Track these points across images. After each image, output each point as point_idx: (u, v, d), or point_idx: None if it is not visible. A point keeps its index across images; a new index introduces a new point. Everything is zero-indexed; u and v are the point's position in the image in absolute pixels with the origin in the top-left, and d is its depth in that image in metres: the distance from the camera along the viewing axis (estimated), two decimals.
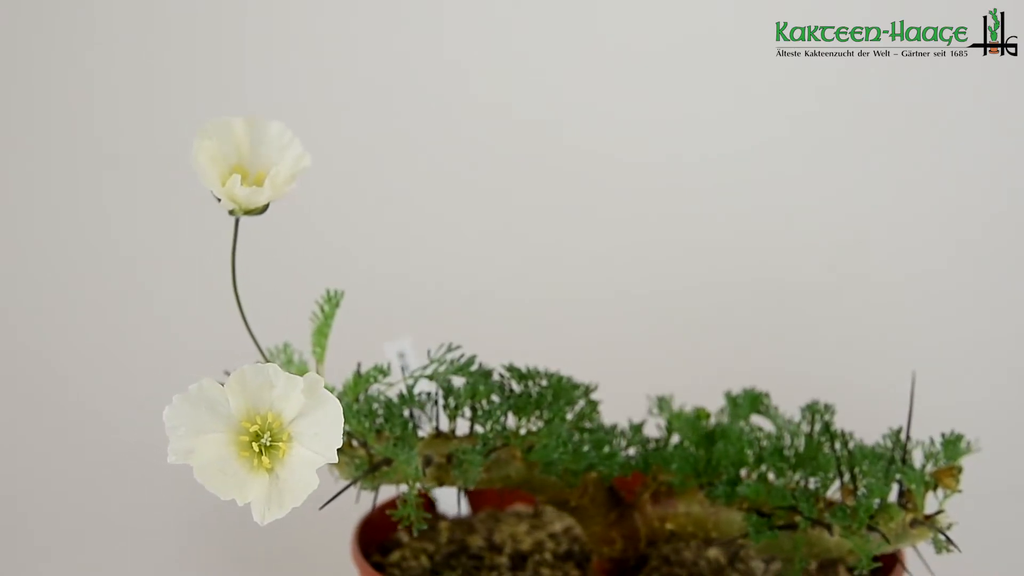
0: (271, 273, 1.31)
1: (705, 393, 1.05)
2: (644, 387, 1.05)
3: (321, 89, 1.35)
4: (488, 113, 1.36)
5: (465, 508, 1.11)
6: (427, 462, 0.86)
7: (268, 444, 0.71)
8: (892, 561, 0.95)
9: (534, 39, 1.36)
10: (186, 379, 1.34)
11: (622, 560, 0.97)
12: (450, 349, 0.88)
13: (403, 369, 1.07)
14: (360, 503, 0.95)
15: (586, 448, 0.90)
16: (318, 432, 0.71)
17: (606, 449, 0.92)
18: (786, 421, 1.00)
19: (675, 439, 1.00)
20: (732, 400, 1.01)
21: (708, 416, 1.00)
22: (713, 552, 1.04)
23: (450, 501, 1.10)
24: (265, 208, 0.80)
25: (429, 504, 1.10)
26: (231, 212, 0.79)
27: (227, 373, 0.91)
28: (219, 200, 0.79)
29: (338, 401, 0.71)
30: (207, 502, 1.29)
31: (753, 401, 1.00)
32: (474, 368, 0.88)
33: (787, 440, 0.96)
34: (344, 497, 0.84)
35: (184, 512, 1.29)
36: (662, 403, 1.02)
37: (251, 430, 0.71)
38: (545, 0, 1.36)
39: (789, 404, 1.03)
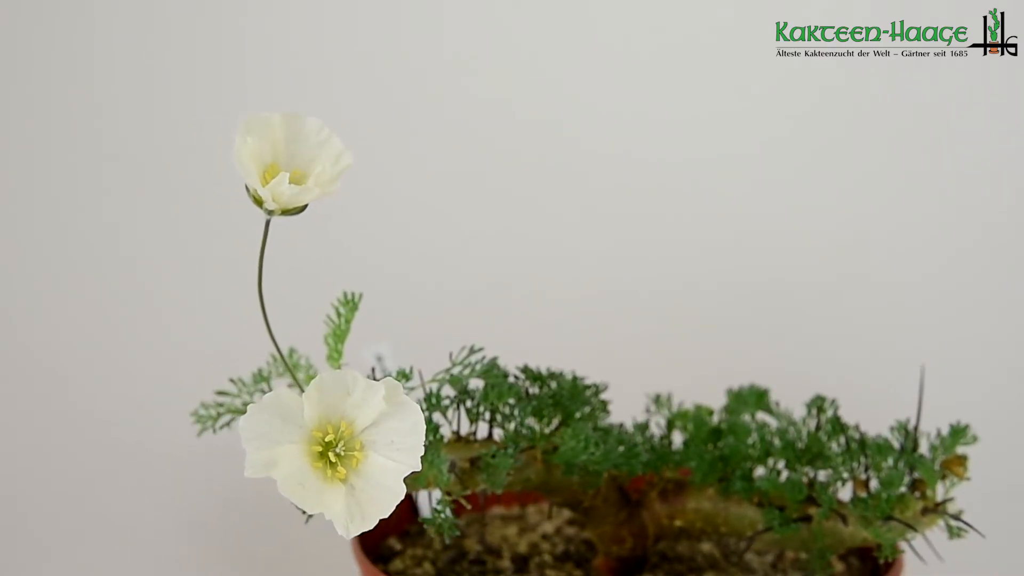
0: (271, 275, 1.30)
1: (702, 392, 1.05)
2: (640, 386, 1.05)
3: (321, 87, 1.35)
4: (488, 112, 1.36)
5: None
6: (451, 467, 0.85)
7: (342, 454, 0.69)
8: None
9: (533, 39, 1.35)
10: (186, 380, 1.35)
11: (629, 558, 0.98)
12: (472, 351, 0.86)
13: (382, 372, 1.05)
14: None
15: (610, 448, 0.90)
16: (394, 440, 0.68)
17: (621, 449, 0.92)
18: (788, 418, 1.00)
19: (675, 436, 1.01)
20: (736, 395, 1.01)
21: (712, 413, 1.01)
22: (707, 547, 1.04)
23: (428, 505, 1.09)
24: (304, 208, 0.77)
25: (411, 507, 1.09)
26: (270, 212, 0.76)
27: (232, 380, 0.91)
28: (258, 200, 0.76)
29: (419, 407, 0.68)
30: (207, 502, 1.30)
31: (759, 397, 1.01)
32: (494, 371, 0.86)
33: (792, 434, 0.97)
34: None
35: (184, 512, 1.29)
36: (659, 401, 1.02)
37: (324, 440, 0.69)
38: (544, 0, 1.36)
39: (788, 403, 1.03)
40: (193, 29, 1.33)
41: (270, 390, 0.88)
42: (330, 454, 0.69)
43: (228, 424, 0.86)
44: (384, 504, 0.68)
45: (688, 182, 1.36)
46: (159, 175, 1.35)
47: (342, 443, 0.69)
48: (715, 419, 1.01)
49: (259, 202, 0.76)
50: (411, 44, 1.35)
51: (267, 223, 0.77)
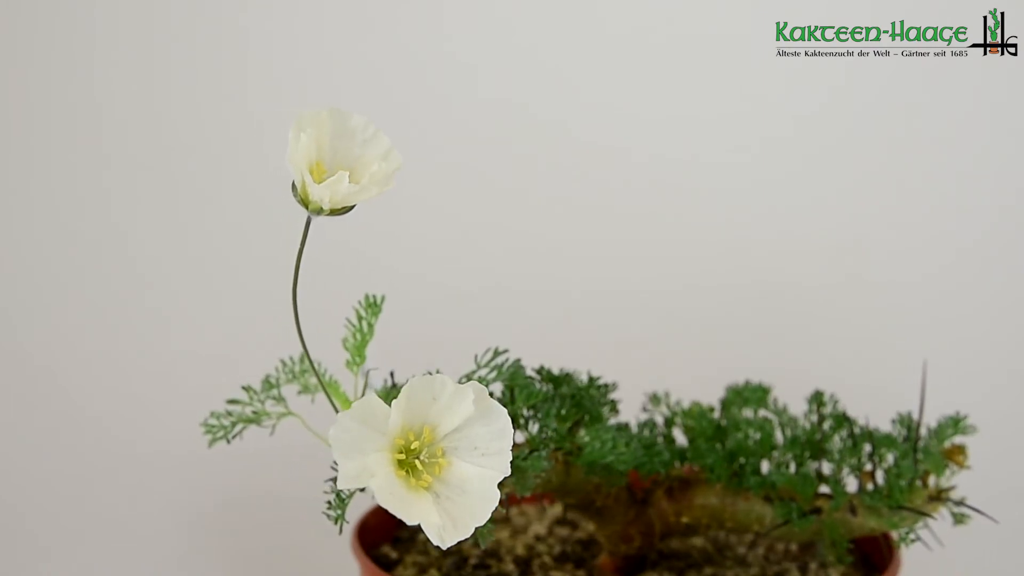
0: (273, 276, 1.30)
1: (700, 391, 1.05)
2: (638, 385, 1.05)
3: (323, 86, 1.35)
4: (490, 112, 1.36)
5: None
6: None
7: (426, 460, 0.67)
8: (876, 546, 1.00)
9: (536, 40, 1.35)
10: (187, 380, 1.34)
11: (635, 556, 0.98)
12: (496, 354, 0.85)
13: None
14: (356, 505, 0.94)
15: (636, 448, 0.90)
16: (478, 445, 0.67)
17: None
18: (787, 414, 1.01)
19: (675, 434, 1.02)
20: (737, 392, 1.02)
21: (712, 410, 1.01)
22: (699, 541, 1.05)
23: None
24: (352, 208, 0.74)
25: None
26: (318, 212, 0.73)
27: (244, 388, 0.90)
28: (305, 200, 0.73)
29: (506, 411, 0.67)
30: (207, 502, 1.30)
31: (761, 394, 1.01)
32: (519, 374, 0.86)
33: (796, 430, 0.98)
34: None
35: (184, 512, 1.29)
36: (655, 399, 1.03)
37: (409, 447, 0.66)
38: (546, 1, 1.36)
39: (786, 402, 1.03)
40: (195, 28, 1.33)
41: (281, 398, 0.87)
42: (415, 461, 0.67)
43: (240, 434, 0.85)
44: (479, 511, 0.66)
45: (688, 182, 1.36)
46: (162, 176, 1.35)
47: (425, 450, 0.67)
48: (715, 416, 1.02)
49: (306, 202, 0.73)
50: (415, 43, 1.35)
51: (307, 222, 0.74)
